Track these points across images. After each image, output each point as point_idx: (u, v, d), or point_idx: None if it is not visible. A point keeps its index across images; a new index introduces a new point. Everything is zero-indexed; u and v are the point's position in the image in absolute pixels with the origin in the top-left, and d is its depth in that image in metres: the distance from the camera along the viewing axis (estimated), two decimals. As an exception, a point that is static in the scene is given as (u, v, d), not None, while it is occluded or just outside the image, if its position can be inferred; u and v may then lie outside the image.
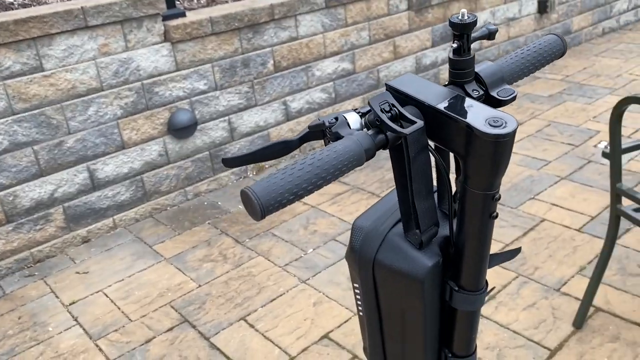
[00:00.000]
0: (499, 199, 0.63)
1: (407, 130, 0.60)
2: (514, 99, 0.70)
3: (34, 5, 3.40)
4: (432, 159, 0.68)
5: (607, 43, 5.28)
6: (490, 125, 0.58)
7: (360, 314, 0.78)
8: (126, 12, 2.65)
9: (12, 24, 2.36)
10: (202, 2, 3.85)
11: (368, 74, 3.81)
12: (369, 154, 0.59)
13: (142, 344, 2.05)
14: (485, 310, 2.05)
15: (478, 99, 0.69)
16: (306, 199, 2.96)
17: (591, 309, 1.99)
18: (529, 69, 0.77)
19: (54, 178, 2.63)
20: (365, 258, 0.71)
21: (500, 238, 2.45)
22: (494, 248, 2.40)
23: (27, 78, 2.46)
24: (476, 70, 0.71)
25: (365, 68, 3.77)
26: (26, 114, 2.49)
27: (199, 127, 3.07)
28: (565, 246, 2.36)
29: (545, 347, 1.86)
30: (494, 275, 2.22)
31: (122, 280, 2.44)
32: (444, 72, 4.25)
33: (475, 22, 0.66)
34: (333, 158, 0.57)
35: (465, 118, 0.59)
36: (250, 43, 3.17)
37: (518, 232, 2.48)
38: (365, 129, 0.62)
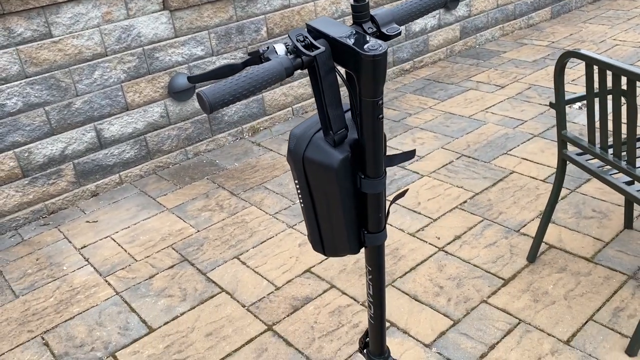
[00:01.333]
0: (382, 104, 0.87)
1: (314, 53, 0.83)
2: (399, 34, 0.93)
3: (41, -23, 3.59)
4: (340, 79, 0.93)
5: (597, 10, 5.41)
6: (370, 49, 0.81)
7: (302, 205, 1.02)
8: (127, -18, 2.85)
9: (22, -7, 2.57)
10: (199, -28, 4.03)
11: (358, 41, 3.99)
12: (288, 72, 0.83)
13: (146, 279, 2.31)
14: (450, 248, 2.29)
15: (372, 34, 0.92)
16: (297, 157, 3.19)
17: (545, 247, 2.23)
18: (415, 13, 1.00)
19: (64, 137, 2.88)
20: (297, 156, 0.95)
21: (471, 188, 2.68)
22: (465, 196, 2.63)
23: (38, 44, 2.69)
24: (372, 13, 0.94)
25: (355, 35, 3.95)
26: (38, 77, 2.72)
27: (197, 91, 3.29)
28: (529, 194, 2.59)
29: (500, 277, 2.10)
30: (461, 219, 2.46)
31: (128, 227, 2.70)
32: (433, 39, 4.43)
33: None
34: (261, 73, 0.80)
35: (354, 45, 0.82)
36: (245, 11, 3.36)
37: (488, 182, 2.72)
38: (288, 55, 0.85)
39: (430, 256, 2.26)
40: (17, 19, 2.60)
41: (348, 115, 0.98)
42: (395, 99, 3.86)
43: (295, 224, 2.56)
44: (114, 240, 2.61)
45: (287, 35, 3.58)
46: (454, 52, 4.62)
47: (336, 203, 0.96)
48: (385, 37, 0.93)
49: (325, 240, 1.03)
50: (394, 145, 3.20)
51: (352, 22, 0.96)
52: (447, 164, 2.93)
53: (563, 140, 1.95)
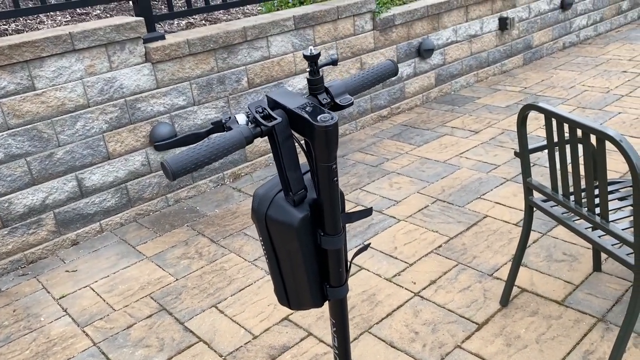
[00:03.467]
0: (336, 169, 0.94)
1: (271, 124, 0.90)
2: (351, 104, 1.01)
3: (26, 31, 3.70)
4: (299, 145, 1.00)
5: (567, 57, 5.65)
6: (322, 121, 0.88)
7: (267, 260, 1.07)
8: (110, 36, 2.95)
9: (7, 48, 2.65)
10: (181, 25, 4.17)
11: (337, 89, 4.12)
12: (248, 140, 0.89)
13: (124, 329, 2.31)
14: (425, 293, 2.33)
15: (327, 104, 1.00)
16: (277, 203, 3.24)
17: (518, 290, 2.28)
18: (367, 84, 1.08)
19: (45, 186, 2.91)
20: (260, 215, 1.00)
21: (446, 233, 2.75)
22: (440, 240, 2.69)
23: (21, 97, 2.75)
24: (326, 85, 1.02)
25: (334, 83, 4.08)
26: (20, 128, 2.77)
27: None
28: (502, 238, 2.66)
29: (474, 322, 2.14)
30: (436, 264, 2.51)
31: (108, 276, 2.70)
32: (409, 86, 4.58)
33: (318, 55, 0.98)
34: (222, 142, 0.86)
35: (308, 116, 0.90)
36: (226, 62, 3.47)
37: (462, 227, 2.78)
38: (248, 125, 0.92)
39: (407, 301, 2.30)
40: (1, 72, 2.67)
41: (308, 176, 1.05)
42: (373, 145, 3.96)
43: (274, 271, 2.59)
44: (93, 290, 2.61)
45: (262, 92, 3.69)
46: (430, 99, 4.77)
47: (298, 259, 1.02)
48: (338, 107, 1.00)
49: (290, 295, 1.07)
50: (372, 190, 3.27)
51: (308, 93, 1.04)
52: (422, 209, 3.00)
53: (529, 188, 2.03)
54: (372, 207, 1.13)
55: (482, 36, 5.06)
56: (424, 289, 2.37)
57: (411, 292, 2.36)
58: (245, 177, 3.65)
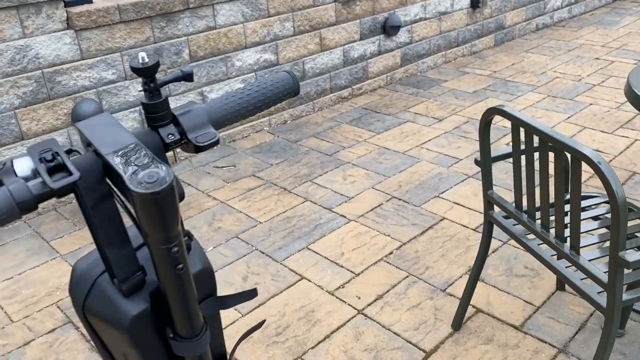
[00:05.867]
0: (179, 252, 0.62)
1: (58, 185, 0.57)
2: (214, 144, 0.68)
3: None
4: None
5: (539, 39, 5.38)
6: (142, 183, 0.56)
7: None
8: (21, -3, 2.53)
9: None
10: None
11: (293, 66, 3.77)
12: (26, 207, 0.56)
13: (20, 347, 1.98)
14: (370, 310, 2.07)
15: (174, 143, 0.67)
16: (216, 194, 2.92)
17: (472, 310, 2.04)
18: (248, 109, 0.75)
19: (-58, 170, 2.51)
20: (77, 302, 0.68)
21: (399, 237, 2.48)
22: (392, 246, 2.42)
23: None
24: (176, 113, 0.69)
25: (289, 59, 3.73)
26: None
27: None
28: (459, 246, 2.40)
29: (421, 349, 1.89)
30: (385, 275, 2.24)
31: (12, 278, 2.35)
32: (372, 65, 4.25)
33: (157, 65, 0.65)
34: None
35: (125, 173, 0.57)
36: (164, 32, 3.08)
37: (417, 230, 2.51)
38: (34, 177, 0.59)
39: (348, 320, 2.03)
40: None
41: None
42: (330, 130, 3.64)
43: (203, 277, 2.28)
44: (-8, 294, 2.26)
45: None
46: (395, 80, 4.46)
47: None
48: (194, 148, 0.68)
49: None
50: (323, 183, 2.97)
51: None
52: (376, 207, 2.72)
53: (489, 201, 1.76)
54: (256, 289, 0.79)
55: (452, 14, 4.75)
56: (369, 305, 2.10)
57: (355, 309, 2.08)
58: (184, 162, 3.30)
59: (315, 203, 2.79)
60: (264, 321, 0.85)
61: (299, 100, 3.87)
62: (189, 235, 0.72)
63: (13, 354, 1.95)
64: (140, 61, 0.65)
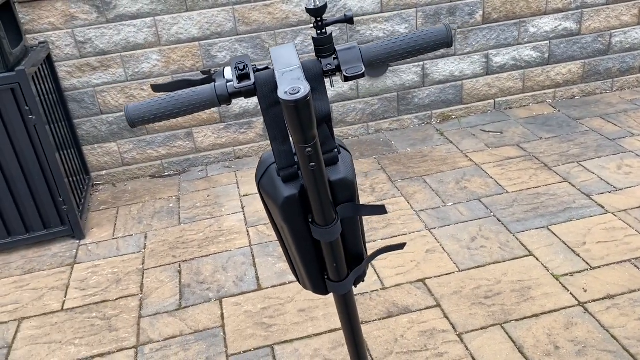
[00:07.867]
0: (313, 152, 0.74)
1: (239, 86, 0.75)
2: (359, 76, 0.78)
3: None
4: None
5: None
6: (289, 94, 0.70)
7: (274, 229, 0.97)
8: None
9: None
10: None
11: (596, 37, 3.43)
12: (222, 99, 0.77)
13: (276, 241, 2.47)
14: (594, 306, 1.91)
15: (330, 72, 0.79)
16: (473, 156, 2.97)
17: None
18: (399, 54, 0.81)
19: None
20: (256, 180, 0.90)
21: None
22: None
23: (251, 5, 2.96)
24: (337, 49, 0.80)
25: (593, 30, 3.40)
26: (245, 35, 3.02)
27: (391, 69, 3.26)
28: None
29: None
30: (626, 277, 2.01)
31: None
32: None
33: (325, 7, 0.76)
34: (190, 97, 0.76)
35: (280, 85, 0.72)
36: (460, -9, 3.15)
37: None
38: (235, 81, 0.79)
39: (564, 308, 1.93)
40: (237, -18, 2.88)
41: None
42: (623, 113, 3.25)
43: (435, 228, 2.42)
44: (271, 196, 2.82)
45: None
46: None
47: (290, 240, 0.90)
48: (344, 77, 0.80)
49: (296, 271, 0.97)
50: (591, 167, 2.73)
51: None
52: (645, 206, 2.40)
53: None
54: (384, 206, 0.91)
55: None
56: (595, 301, 1.94)
57: (576, 299, 1.96)
58: (454, 121, 3.40)
59: (573, 186, 2.60)
60: (404, 244, 0.98)
61: (595, 76, 3.52)
62: (339, 148, 0.88)
63: (271, 245, 2.44)
64: (313, 4, 0.81)
